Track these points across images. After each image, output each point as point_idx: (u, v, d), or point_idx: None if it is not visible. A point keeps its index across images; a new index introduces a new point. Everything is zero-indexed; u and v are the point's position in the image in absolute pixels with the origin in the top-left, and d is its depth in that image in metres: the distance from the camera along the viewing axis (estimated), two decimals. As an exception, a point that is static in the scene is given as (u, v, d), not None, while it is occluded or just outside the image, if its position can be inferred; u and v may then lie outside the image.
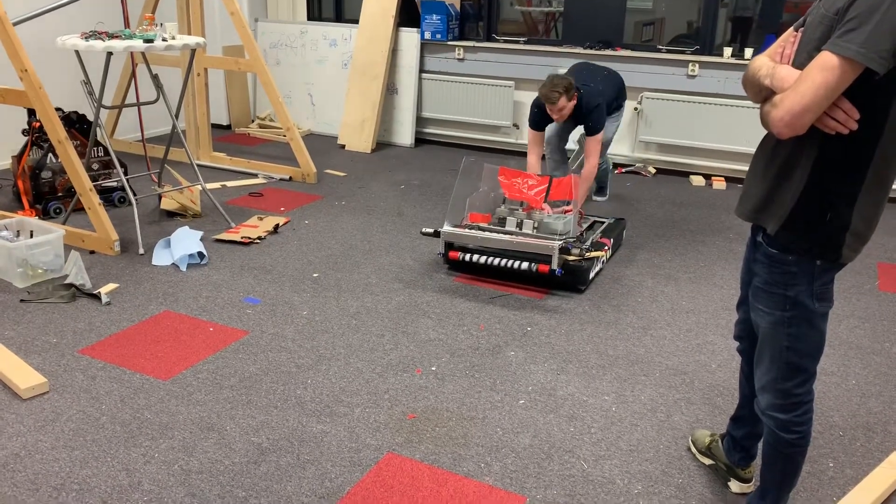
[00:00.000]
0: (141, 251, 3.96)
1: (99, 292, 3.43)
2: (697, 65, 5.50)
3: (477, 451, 2.45)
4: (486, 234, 3.71)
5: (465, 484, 2.29)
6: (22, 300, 3.40)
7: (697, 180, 5.66)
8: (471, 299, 3.56)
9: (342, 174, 5.62)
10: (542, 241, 3.59)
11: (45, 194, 4.47)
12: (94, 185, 4.02)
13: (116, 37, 3.92)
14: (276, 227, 4.38)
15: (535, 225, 3.79)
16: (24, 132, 4.52)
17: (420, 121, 6.56)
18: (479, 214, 3.95)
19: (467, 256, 3.70)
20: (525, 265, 3.57)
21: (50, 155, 4.43)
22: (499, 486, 2.29)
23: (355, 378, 2.86)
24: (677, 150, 5.80)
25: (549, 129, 4.67)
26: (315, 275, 3.81)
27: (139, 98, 4.81)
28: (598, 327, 3.33)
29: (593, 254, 3.72)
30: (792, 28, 1.75)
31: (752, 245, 1.90)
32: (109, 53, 3.83)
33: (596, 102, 4.28)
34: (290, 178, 5.40)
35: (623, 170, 5.89)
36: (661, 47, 5.70)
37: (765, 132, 1.75)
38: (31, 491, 2.20)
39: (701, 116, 5.55)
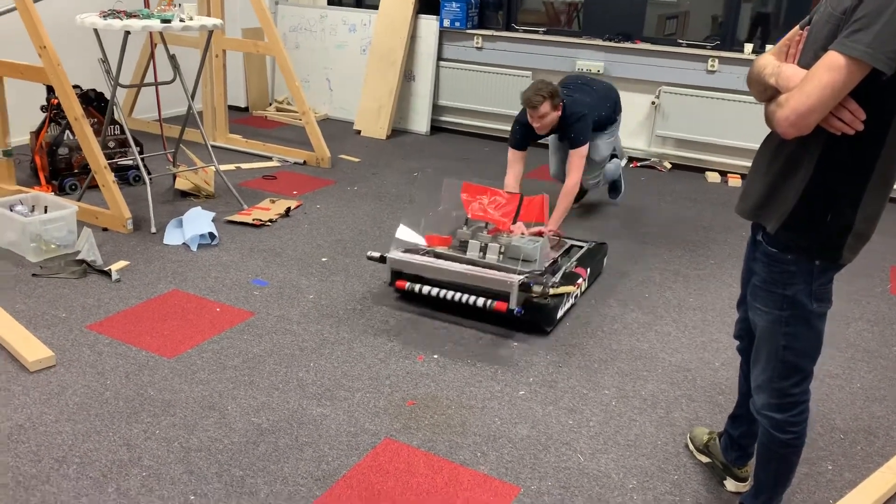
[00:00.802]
0: (153, 230, 4.00)
1: (109, 269, 3.47)
2: (717, 60, 5.44)
3: (474, 440, 2.46)
4: (437, 263, 3.21)
5: (460, 472, 2.30)
6: (34, 274, 3.45)
7: (713, 177, 5.61)
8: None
9: (356, 160, 5.63)
10: (500, 276, 3.07)
11: (62, 170, 4.52)
12: (110, 163, 4.06)
13: (134, 16, 3.94)
14: (288, 210, 4.40)
15: (502, 250, 3.29)
16: (42, 108, 4.57)
17: (436, 109, 6.55)
18: (437, 237, 3.47)
19: (416, 287, 3.21)
20: (480, 301, 3.08)
21: (67, 132, 4.48)
22: (493, 476, 2.30)
23: (357, 363, 2.88)
24: (694, 146, 5.75)
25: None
26: (324, 259, 3.82)
27: (157, 78, 4.84)
28: (603, 321, 3.33)
29: (562, 290, 3.21)
30: (798, 27, 1.73)
31: (752, 244, 1.89)
32: (127, 32, 3.86)
33: (580, 112, 3.95)
34: (305, 162, 5.42)
35: (638, 164, 5.85)
36: (681, 41, 5.65)
37: (769, 130, 1.74)
38: (33, 462, 2.24)
39: (719, 112, 5.50)
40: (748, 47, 5.40)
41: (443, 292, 3.15)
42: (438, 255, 3.34)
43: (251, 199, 4.56)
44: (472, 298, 3.10)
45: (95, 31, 3.92)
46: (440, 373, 2.84)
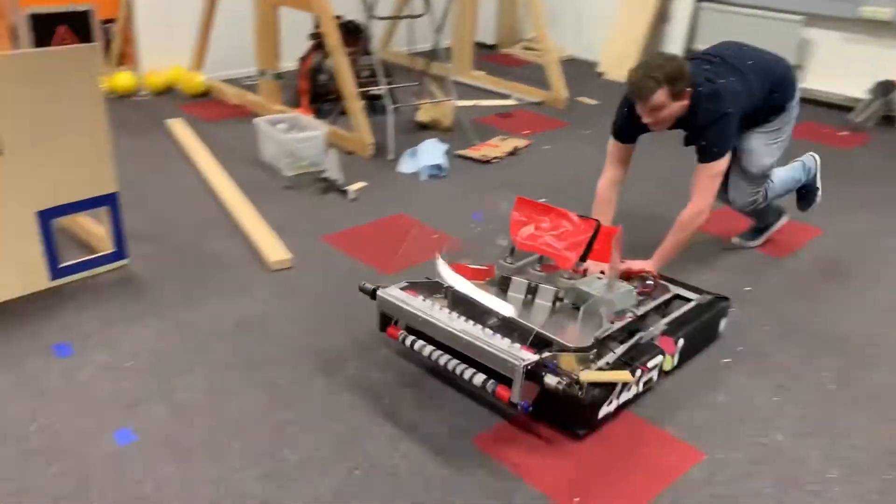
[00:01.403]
0: (391, 157, 4.27)
1: (347, 189, 3.79)
2: None
3: (664, 399, 2.39)
4: (431, 315, 2.31)
5: (643, 427, 2.26)
6: (286, 187, 3.86)
7: None
8: (708, 244, 3.33)
9: (594, 102, 5.52)
10: (502, 351, 2.12)
11: (321, 95, 4.94)
12: (362, 92, 4.37)
13: (393, -49, 4.14)
14: (516, 149, 4.46)
15: (560, 295, 2.42)
16: (309, 37, 5.00)
17: (691, 53, 6.17)
18: (469, 267, 2.60)
19: (408, 341, 2.38)
20: (478, 379, 2.19)
21: (328, 60, 4.86)
22: (679, 438, 2.22)
23: (559, 304, 2.89)
24: None
25: None
26: (542, 199, 3.84)
27: (412, 12, 5.07)
28: (833, 297, 3.01)
29: (610, 377, 2.16)
30: None
31: None
32: (384, -33, 4.08)
33: (721, 110, 2.68)
34: (542, 101, 5.42)
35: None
36: None
37: None
38: (262, 349, 2.56)
39: None
40: None
41: (436, 354, 2.30)
42: (456, 300, 2.42)
43: (484, 135, 4.67)
44: (470, 372, 2.22)
45: (358, -35, 4.19)
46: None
